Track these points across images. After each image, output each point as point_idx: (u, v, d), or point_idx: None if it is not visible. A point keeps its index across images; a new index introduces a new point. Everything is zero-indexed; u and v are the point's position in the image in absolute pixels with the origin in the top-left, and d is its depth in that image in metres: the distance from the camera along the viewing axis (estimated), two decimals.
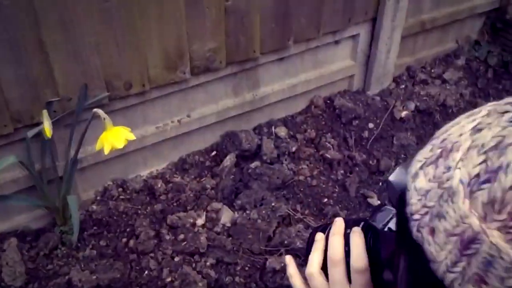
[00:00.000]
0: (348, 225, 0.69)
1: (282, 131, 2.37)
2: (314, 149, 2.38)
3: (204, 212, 2.03)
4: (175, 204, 2.06)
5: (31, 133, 1.68)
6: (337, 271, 0.66)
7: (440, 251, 0.40)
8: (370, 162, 2.44)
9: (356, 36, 2.46)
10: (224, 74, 2.09)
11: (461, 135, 0.43)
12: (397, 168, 0.52)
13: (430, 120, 2.63)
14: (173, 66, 1.90)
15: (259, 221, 2.02)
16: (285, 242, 2.01)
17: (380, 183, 2.35)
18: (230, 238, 1.99)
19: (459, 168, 0.40)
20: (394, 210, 0.67)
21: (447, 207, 0.40)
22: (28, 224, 1.94)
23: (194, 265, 1.88)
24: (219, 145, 2.30)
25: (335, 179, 2.33)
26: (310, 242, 0.74)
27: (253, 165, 2.21)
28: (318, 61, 2.42)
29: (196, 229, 1.97)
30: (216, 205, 2.05)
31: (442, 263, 0.40)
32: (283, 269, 1.92)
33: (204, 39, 1.92)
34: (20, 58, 1.58)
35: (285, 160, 2.30)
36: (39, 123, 1.67)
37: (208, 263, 1.89)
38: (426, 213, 0.42)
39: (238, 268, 1.95)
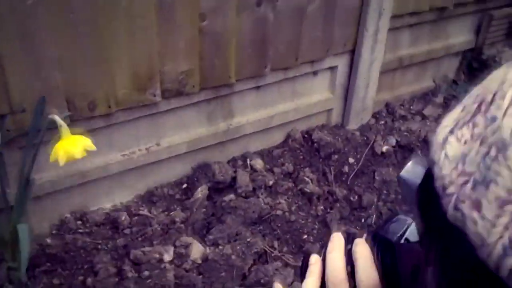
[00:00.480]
0: (349, 241, 0.58)
1: (258, 164, 2.24)
2: (292, 183, 2.24)
3: (172, 247, 1.84)
4: (140, 238, 1.88)
5: None
6: None
7: (491, 228, 0.30)
8: (351, 198, 2.31)
9: (334, 68, 2.39)
10: (197, 100, 1.97)
11: (503, 83, 0.34)
12: (409, 163, 0.45)
13: (411, 156, 2.53)
14: (142, 87, 1.77)
15: (233, 257, 1.85)
16: (262, 281, 1.83)
17: (363, 220, 2.22)
18: (201, 276, 1.81)
19: (509, 116, 0.31)
20: (409, 220, 0.56)
21: (497, 166, 0.30)
22: None
23: None
24: (190, 178, 2.14)
25: (315, 214, 2.18)
26: (303, 268, 0.63)
27: (227, 198, 2.06)
28: (296, 92, 2.32)
29: (162, 266, 1.78)
30: (185, 239, 1.87)
31: (496, 245, 0.30)
32: None
33: (177, 60, 1.81)
34: None
35: (261, 194, 2.15)
36: None
37: None
38: (466, 182, 0.32)
39: None
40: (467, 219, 0.31)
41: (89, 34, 1.59)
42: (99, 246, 1.83)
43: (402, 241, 0.56)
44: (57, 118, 1.22)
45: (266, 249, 1.97)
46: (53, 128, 1.33)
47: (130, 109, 1.80)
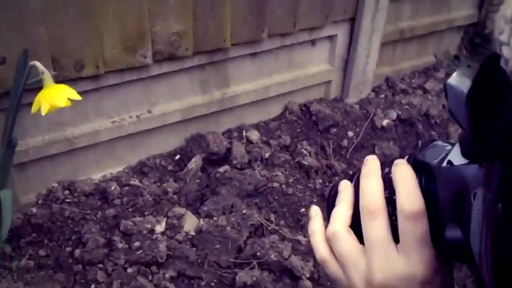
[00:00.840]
0: (385, 165, 0.50)
1: (254, 135, 2.15)
2: (290, 156, 2.15)
3: (165, 218, 1.76)
4: (130, 209, 1.79)
5: None
6: (376, 225, 0.46)
7: None
8: (351, 172, 2.22)
9: (333, 37, 2.30)
10: (190, 65, 1.88)
11: None
12: (455, 73, 0.40)
13: (412, 131, 2.45)
14: (132, 47, 1.67)
15: (228, 228, 1.76)
16: (258, 254, 1.75)
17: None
18: (194, 249, 1.72)
19: None
20: (448, 146, 0.47)
21: None
22: None
23: (150, 277, 1.60)
24: (183, 149, 2.05)
25: (313, 188, 2.10)
26: (331, 196, 0.55)
27: (221, 169, 1.97)
28: (293, 61, 2.23)
29: (154, 237, 1.69)
30: (178, 210, 1.78)
31: None
32: (256, 284, 1.65)
33: (168, 20, 1.71)
34: None
35: (257, 166, 2.06)
36: None
37: (167, 276, 1.61)
38: None
39: (203, 283, 1.67)
40: None
41: None
42: (88, 217, 1.74)
43: (444, 164, 0.47)
44: (38, 64, 1.13)
45: (262, 222, 1.88)
46: (37, 88, 1.23)
47: (120, 71, 1.70)
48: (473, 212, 0.37)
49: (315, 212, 0.56)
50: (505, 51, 0.31)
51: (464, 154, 0.43)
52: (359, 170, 0.51)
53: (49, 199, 1.76)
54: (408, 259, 0.44)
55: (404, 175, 0.45)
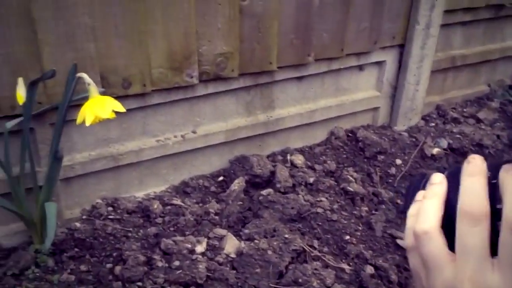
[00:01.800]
0: (490, 169, 0.43)
1: (298, 160, 2.11)
2: (335, 181, 2.10)
3: (206, 239, 1.73)
4: (172, 228, 1.77)
5: (9, 124, 1.46)
6: (476, 232, 0.41)
7: None
8: (399, 201, 2.14)
9: (382, 63, 2.26)
10: (236, 86, 1.88)
11: None
12: None
13: (464, 161, 2.35)
14: (179, 67, 1.70)
15: (269, 252, 1.71)
16: (300, 280, 1.69)
17: None
18: (234, 271, 1.68)
19: None
20: None
21: None
22: (0, 240, 1.66)
23: None
24: (226, 170, 2.03)
25: (359, 215, 2.03)
26: (412, 189, 0.49)
27: (264, 192, 1.94)
28: (340, 87, 2.20)
29: (194, 257, 1.66)
30: (219, 231, 1.76)
31: None
32: None
33: (215, 41, 1.73)
34: (1, 34, 1.39)
35: (301, 190, 2.02)
36: (21, 115, 1.46)
37: None
38: None
39: None
40: None
41: (124, 4, 1.53)
42: (129, 234, 1.73)
43: None
44: (85, 76, 1.15)
45: (305, 247, 1.83)
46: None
47: (166, 90, 1.72)
48: None
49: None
50: None
51: None
52: (454, 167, 0.46)
53: (93, 214, 1.77)
54: (504, 276, 0.40)
55: None
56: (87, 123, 1.12)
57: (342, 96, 2.23)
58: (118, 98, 1.61)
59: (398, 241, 1.98)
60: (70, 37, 1.48)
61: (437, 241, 0.43)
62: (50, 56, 1.47)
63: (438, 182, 0.46)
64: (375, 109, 2.36)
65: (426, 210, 0.45)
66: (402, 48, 2.27)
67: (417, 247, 0.45)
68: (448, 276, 0.42)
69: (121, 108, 1.16)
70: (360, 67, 2.22)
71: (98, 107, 1.12)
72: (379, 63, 2.26)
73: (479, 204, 0.41)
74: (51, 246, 1.65)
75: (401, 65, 2.31)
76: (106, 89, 1.60)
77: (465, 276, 0.41)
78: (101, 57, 1.55)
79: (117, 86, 1.61)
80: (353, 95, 2.27)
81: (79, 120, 1.15)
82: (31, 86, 1.35)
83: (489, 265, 0.40)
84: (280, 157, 2.14)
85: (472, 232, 0.41)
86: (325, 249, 1.88)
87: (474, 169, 0.43)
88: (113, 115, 1.16)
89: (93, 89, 1.15)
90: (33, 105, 1.45)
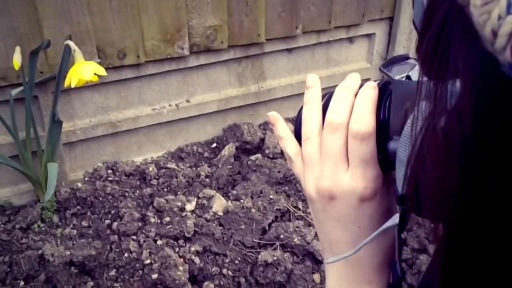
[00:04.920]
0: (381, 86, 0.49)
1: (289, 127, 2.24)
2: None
3: (195, 198, 1.89)
4: (165, 189, 1.93)
5: (14, 91, 1.61)
6: (334, 138, 0.47)
7: None
8: None
9: (371, 35, 2.35)
10: (226, 57, 2.01)
11: None
12: None
13: None
14: (170, 39, 1.83)
15: (253, 210, 1.86)
16: (281, 236, 1.83)
17: None
18: (221, 227, 1.83)
19: None
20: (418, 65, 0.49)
21: None
22: (10, 199, 1.84)
23: (177, 249, 1.72)
24: (220, 138, 2.18)
25: None
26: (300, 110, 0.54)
27: (253, 157, 2.07)
28: (330, 59, 2.31)
29: (184, 214, 1.82)
30: (209, 192, 1.90)
31: (499, 1, 0.24)
32: (276, 263, 1.74)
33: (205, 14, 1.85)
34: (6, 10, 1.54)
35: None
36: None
37: (193, 249, 1.73)
38: None
39: (227, 260, 1.77)
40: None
41: None
42: (126, 194, 1.90)
43: (403, 79, 0.47)
44: (71, 43, 1.29)
45: (289, 208, 1.96)
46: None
47: (159, 61, 1.86)
48: (407, 122, 0.39)
49: (274, 117, 0.56)
50: None
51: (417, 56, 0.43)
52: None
53: (94, 176, 1.93)
54: (352, 175, 0.46)
55: (364, 97, 0.46)
56: (72, 85, 1.27)
57: (333, 68, 2.34)
58: (114, 68, 1.77)
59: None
60: (68, 12, 1.62)
61: (314, 143, 0.49)
62: (50, 30, 1.62)
63: (311, 86, 0.52)
64: (366, 80, 2.45)
65: (307, 116, 0.50)
66: (391, 21, 2.35)
67: (301, 151, 0.51)
68: (316, 173, 0.49)
69: (102, 72, 1.30)
70: (350, 40, 2.31)
71: (82, 71, 1.26)
72: (369, 36, 2.35)
73: (339, 115, 0.47)
74: (56, 204, 1.83)
75: (390, 37, 2.39)
76: (103, 60, 1.74)
77: (324, 173, 0.47)
78: (97, 30, 1.69)
79: (113, 57, 1.76)
80: (344, 66, 2.37)
81: (66, 83, 1.30)
82: (32, 56, 1.50)
83: (343, 166, 0.47)
84: (270, 126, 2.26)
85: (331, 138, 0.47)
86: (309, 209, 2.02)
87: (345, 84, 0.49)
88: (96, 78, 1.30)
89: (78, 55, 1.29)
90: (35, 74, 1.60)
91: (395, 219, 0.43)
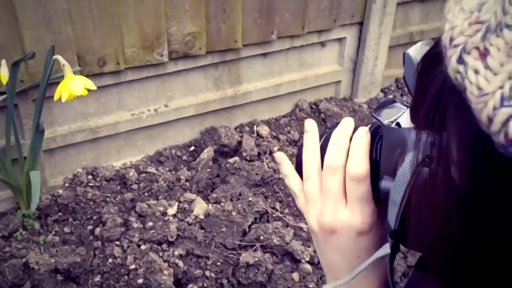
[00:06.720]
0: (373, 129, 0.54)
1: (264, 130, 2.30)
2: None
3: (177, 203, 1.93)
4: (146, 194, 1.96)
5: None
6: (333, 179, 0.52)
7: (493, 77, 0.27)
8: None
9: (342, 39, 2.43)
10: (204, 63, 2.04)
11: None
12: (419, 43, 0.43)
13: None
14: (150, 46, 1.85)
15: (234, 213, 1.91)
16: (261, 237, 1.89)
17: None
18: (203, 231, 1.88)
19: None
20: (405, 108, 0.53)
21: None
22: None
23: (161, 253, 1.76)
24: (198, 141, 2.22)
25: None
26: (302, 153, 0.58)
27: (231, 160, 2.13)
28: (303, 62, 2.38)
29: (166, 218, 1.86)
30: (189, 195, 1.95)
31: (494, 95, 0.27)
32: (257, 264, 1.80)
33: (183, 22, 1.89)
34: None
35: (266, 158, 2.21)
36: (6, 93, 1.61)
37: (176, 253, 1.77)
38: (477, 31, 0.29)
39: (209, 262, 1.82)
40: (468, 69, 0.29)
41: None
42: (108, 199, 1.92)
43: (393, 125, 0.52)
44: (60, 58, 1.31)
45: (267, 209, 2.03)
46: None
47: (139, 68, 1.88)
48: (400, 169, 0.44)
49: (281, 157, 0.61)
50: (446, 25, 0.32)
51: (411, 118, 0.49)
52: (334, 128, 0.56)
53: (74, 182, 1.95)
54: (351, 212, 0.52)
55: (358, 141, 0.52)
56: (63, 100, 1.29)
57: (306, 71, 2.41)
58: (94, 75, 1.78)
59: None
60: (48, 20, 1.63)
61: (315, 181, 0.55)
62: (31, 39, 1.62)
63: (309, 130, 0.57)
64: (337, 82, 2.54)
65: (307, 157, 0.56)
66: (361, 26, 2.44)
67: (303, 188, 0.57)
68: (318, 208, 0.55)
69: (92, 87, 1.33)
70: (322, 44, 2.39)
71: (72, 85, 1.28)
72: (340, 40, 2.43)
73: (336, 158, 0.52)
74: (37, 211, 1.83)
75: (360, 41, 2.48)
76: (83, 68, 1.75)
77: (325, 210, 0.54)
78: (78, 39, 1.70)
79: (93, 65, 1.77)
80: (316, 69, 2.44)
81: (56, 97, 1.32)
82: (14, 66, 1.51)
83: (342, 203, 0.52)
84: (247, 128, 2.32)
85: (330, 179, 0.52)
86: (286, 210, 2.09)
87: (342, 129, 0.55)
88: (86, 92, 1.33)
89: (68, 70, 1.31)
90: (16, 83, 1.60)
91: (386, 248, 0.49)
